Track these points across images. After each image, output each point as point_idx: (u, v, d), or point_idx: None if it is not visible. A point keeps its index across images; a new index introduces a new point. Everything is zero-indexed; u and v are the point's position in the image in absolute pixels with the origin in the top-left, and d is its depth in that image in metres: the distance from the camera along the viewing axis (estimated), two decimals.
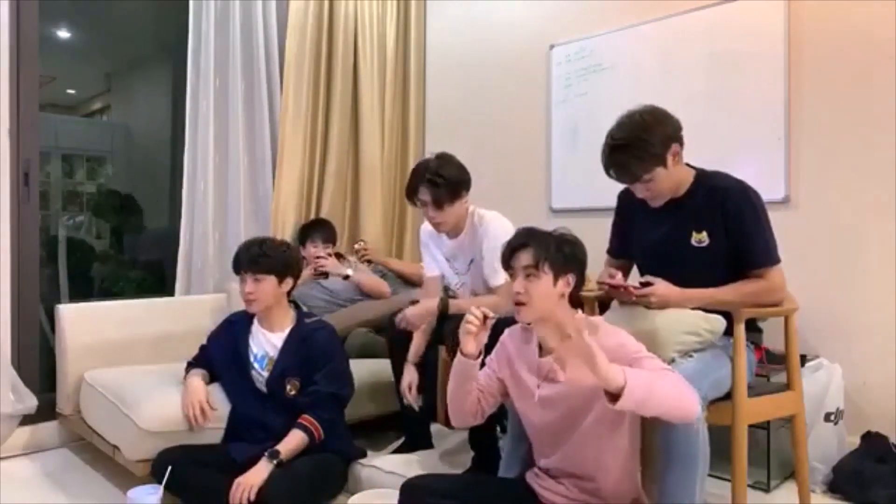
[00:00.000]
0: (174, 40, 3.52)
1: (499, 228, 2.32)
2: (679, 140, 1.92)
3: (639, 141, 1.87)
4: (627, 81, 3.18)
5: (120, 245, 3.93)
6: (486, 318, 1.72)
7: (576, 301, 1.78)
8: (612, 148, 1.92)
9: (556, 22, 3.51)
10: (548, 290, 1.67)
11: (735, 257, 1.92)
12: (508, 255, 1.73)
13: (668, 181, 1.93)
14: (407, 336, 2.45)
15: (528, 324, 1.74)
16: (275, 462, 2.03)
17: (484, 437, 2.29)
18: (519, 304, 1.69)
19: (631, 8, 3.21)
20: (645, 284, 1.92)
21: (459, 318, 1.79)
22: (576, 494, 1.71)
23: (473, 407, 1.82)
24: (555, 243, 1.69)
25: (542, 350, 1.74)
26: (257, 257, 2.25)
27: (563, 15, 3.49)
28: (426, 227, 2.56)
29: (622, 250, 2.22)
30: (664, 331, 1.83)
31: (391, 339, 2.56)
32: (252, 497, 1.95)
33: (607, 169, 1.95)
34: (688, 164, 2.01)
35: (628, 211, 2.17)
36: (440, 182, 2.30)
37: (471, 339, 1.72)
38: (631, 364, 1.52)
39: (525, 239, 1.71)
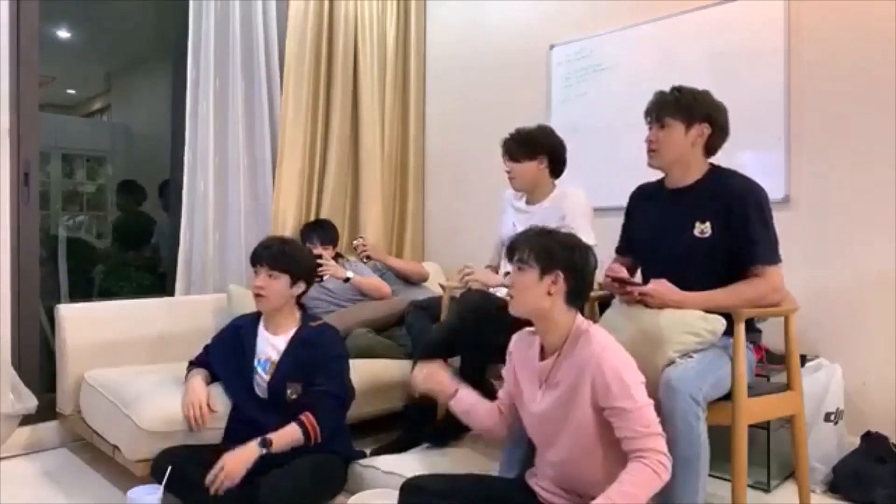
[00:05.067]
0: (174, 40, 3.52)
1: (581, 196, 2.55)
2: (714, 128, 2.00)
3: (689, 95, 2.01)
4: (627, 81, 3.17)
5: (122, 244, 3.92)
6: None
7: (578, 304, 1.76)
8: (669, 90, 2.04)
9: (556, 22, 3.51)
10: (530, 283, 1.65)
11: (736, 254, 1.93)
12: (510, 249, 1.73)
13: (677, 147, 2.00)
14: (423, 321, 2.72)
15: (532, 326, 1.75)
16: (263, 449, 2.01)
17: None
18: (509, 295, 1.71)
19: (631, 8, 3.21)
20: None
21: None
22: (575, 497, 1.70)
23: (490, 422, 1.91)
24: (549, 240, 1.68)
25: (545, 353, 1.73)
26: (277, 254, 2.25)
27: (563, 15, 3.49)
28: (509, 190, 2.79)
29: (628, 249, 2.22)
30: (664, 330, 1.83)
31: (409, 323, 2.85)
32: (234, 483, 1.93)
33: (649, 106, 2.06)
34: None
35: (637, 209, 2.20)
36: (515, 136, 2.62)
37: (435, 392, 1.96)
38: (607, 407, 1.56)
39: (528, 233, 1.72)
